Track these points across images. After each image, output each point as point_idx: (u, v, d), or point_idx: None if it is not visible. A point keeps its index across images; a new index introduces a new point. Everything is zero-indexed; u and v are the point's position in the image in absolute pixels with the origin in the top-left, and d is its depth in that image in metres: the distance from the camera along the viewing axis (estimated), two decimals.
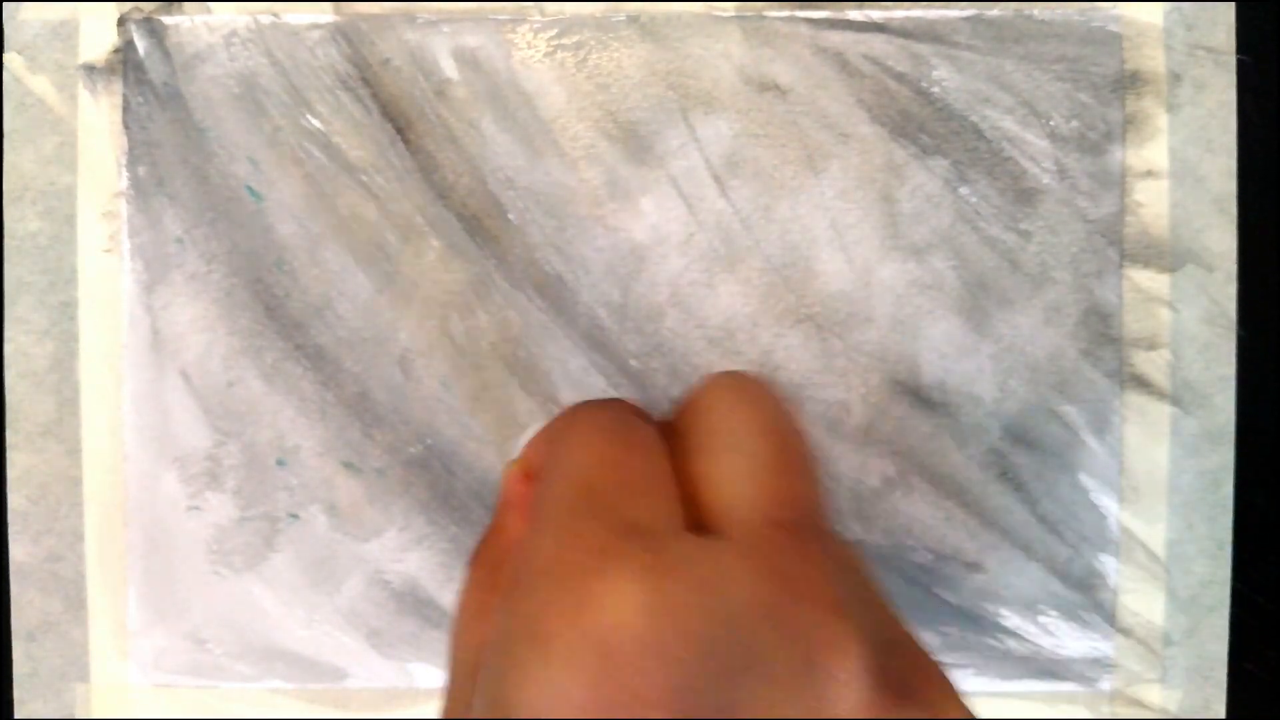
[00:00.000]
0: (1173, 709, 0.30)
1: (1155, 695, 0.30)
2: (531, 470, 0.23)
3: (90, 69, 0.29)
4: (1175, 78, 0.29)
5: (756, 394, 0.20)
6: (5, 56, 0.29)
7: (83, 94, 0.29)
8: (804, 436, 0.20)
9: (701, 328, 0.29)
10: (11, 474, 0.30)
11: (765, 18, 0.29)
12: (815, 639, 0.16)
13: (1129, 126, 0.29)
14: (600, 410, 0.20)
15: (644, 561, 0.16)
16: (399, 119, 0.29)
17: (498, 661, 0.17)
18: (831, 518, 0.19)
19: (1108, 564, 0.29)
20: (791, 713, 0.15)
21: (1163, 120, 0.29)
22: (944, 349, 0.29)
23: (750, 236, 0.29)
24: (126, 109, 0.29)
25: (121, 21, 0.29)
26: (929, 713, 0.16)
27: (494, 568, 0.21)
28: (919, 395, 0.29)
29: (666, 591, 0.16)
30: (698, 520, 0.18)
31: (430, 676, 0.30)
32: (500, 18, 0.29)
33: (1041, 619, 0.30)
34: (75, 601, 0.30)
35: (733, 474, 0.19)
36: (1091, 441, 0.29)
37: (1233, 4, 0.29)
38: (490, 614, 0.20)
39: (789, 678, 0.15)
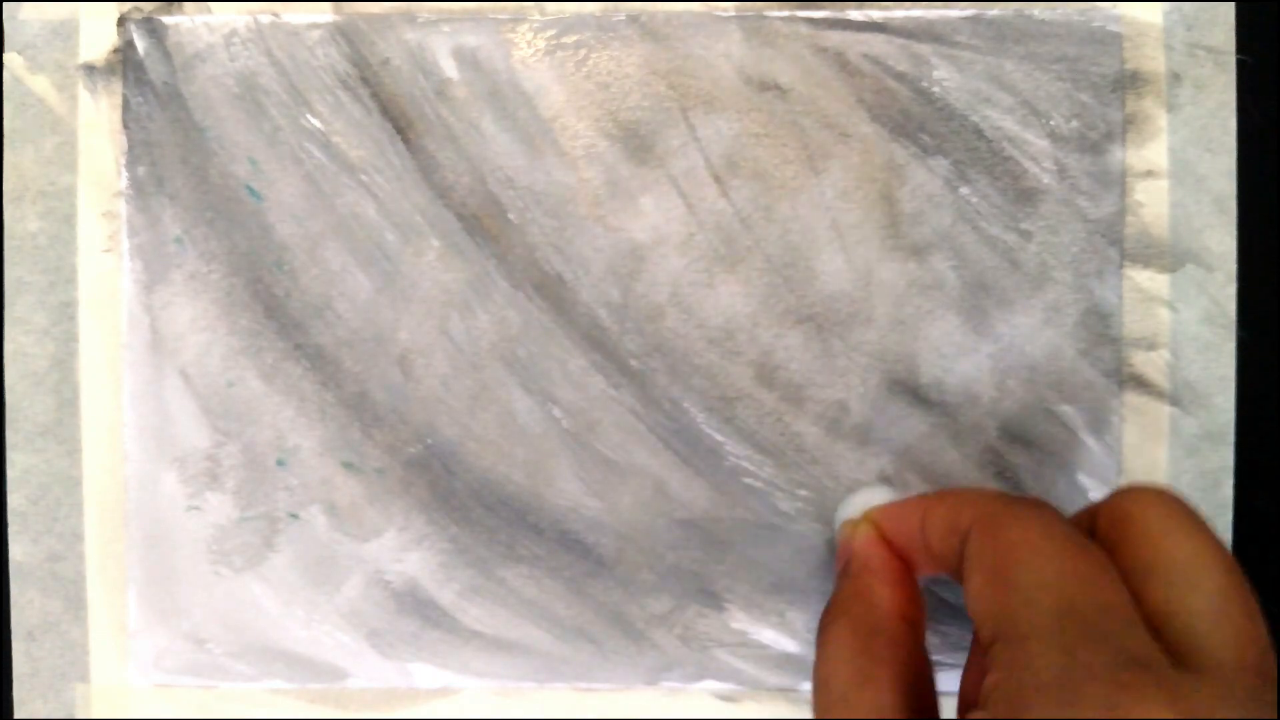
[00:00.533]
0: None
1: None
2: (896, 539, 0.24)
3: (90, 69, 0.29)
4: (1175, 78, 0.29)
5: (1198, 522, 0.21)
6: (5, 56, 0.29)
7: (83, 94, 0.29)
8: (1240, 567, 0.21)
9: (701, 328, 0.29)
10: (11, 474, 0.30)
11: (765, 18, 0.29)
12: None
13: (1129, 126, 0.29)
14: (1047, 514, 0.21)
15: (1167, 702, 0.17)
16: (399, 119, 0.29)
17: None
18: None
19: None
20: None
21: (1163, 120, 0.29)
22: (943, 349, 0.29)
23: (750, 236, 0.29)
24: (126, 109, 0.29)
25: (121, 21, 0.29)
26: None
27: (870, 634, 0.23)
28: (917, 394, 0.29)
29: None
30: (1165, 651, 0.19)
31: (430, 676, 0.30)
32: (500, 17, 0.29)
33: None
34: (75, 601, 0.30)
35: (1205, 612, 0.19)
36: (1090, 441, 0.29)
37: (1233, 4, 0.29)
38: (875, 682, 0.22)
39: None
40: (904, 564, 0.24)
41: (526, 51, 0.29)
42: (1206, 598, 0.19)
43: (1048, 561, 0.20)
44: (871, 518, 0.25)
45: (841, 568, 0.25)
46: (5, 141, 0.29)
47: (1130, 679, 0.18)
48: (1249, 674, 0.19)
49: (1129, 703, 0.17)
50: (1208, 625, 0.19)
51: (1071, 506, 0.29)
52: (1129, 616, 0.19)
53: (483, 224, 0.29)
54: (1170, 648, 0.19)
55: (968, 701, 0.24)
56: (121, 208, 0.30)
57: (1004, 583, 0.20)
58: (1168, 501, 0.21)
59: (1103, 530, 0.21)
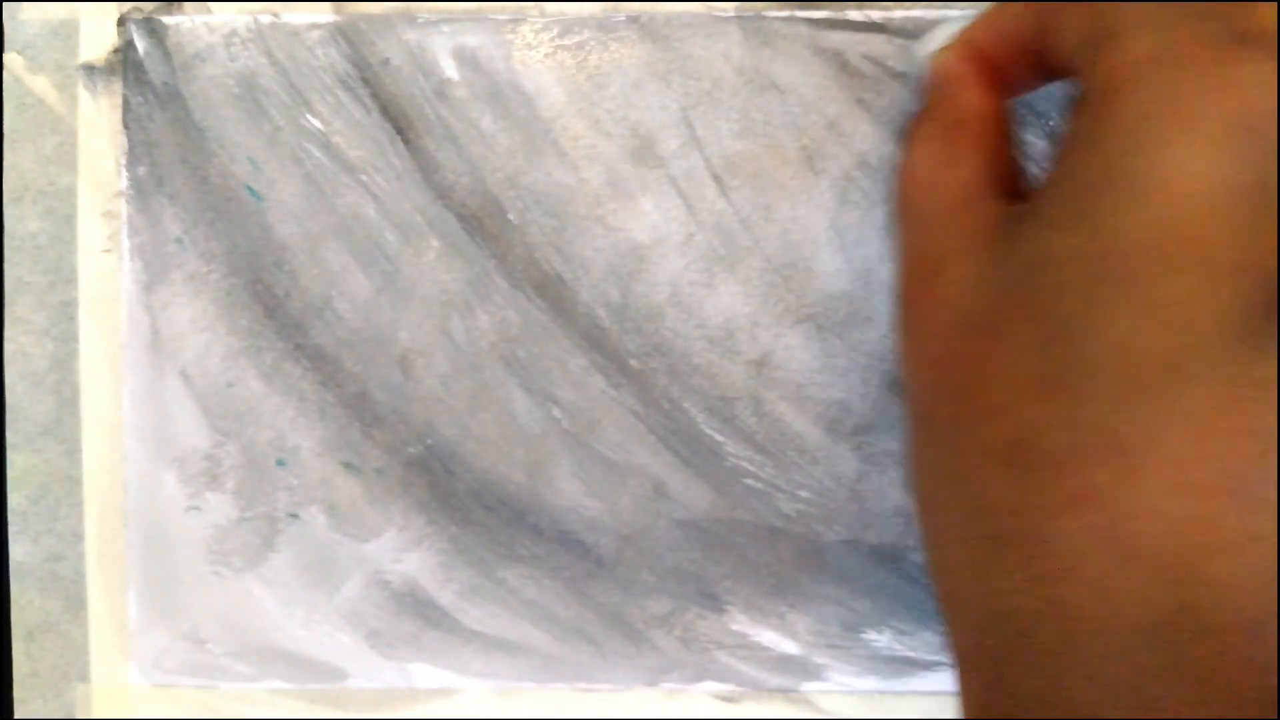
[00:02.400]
0: None
1: None
2: (997, 49, 0.22)
3: (90, 69, 0.29)
4: None
5: None
6: (5, 56, 0.29)
7: (83, 94, 0.29)
8: None
9: (701, 328, 0.29)
10: (11, 474, 0.30)
11: (765, 18, 0.29)
12: None
13: None
14: None
15: (1275, 72, 0.15)
16: (399, 119, 0.29)
17: (1116, 147, 0.16)
18: None
19: None
20: None
21: None
22: None
23: (750, 236, 0.29)
24: (126, 109, 0.29)
25: (121, 21, 0.29)
26: None
27: (954, 126, 0.21)
28: None
29: None
30: None
31: (430, 676, 0.30)
32: (500, 18, 0.29)
33: None
34: (75, 601, 0.30)
35: None
36: None
37: None
38: (961, 162, 0.20)
39: None
40: (997, 74, 0.23)
41: (527, 52, 0.29)
42: None
43: None
44: (965, 37, 0.24)
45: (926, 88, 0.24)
46: (5, 141, 0.29)
47: (1235, 50, 0.16)
48: None
49: (1241, 56, 0.15)
50: None
51: None
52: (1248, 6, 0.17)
53: (483, 224, 0.29)
54: None
55: None
56: (121, 208, 0.30)
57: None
58: None
59: None
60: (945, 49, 0.24)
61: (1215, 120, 0.15)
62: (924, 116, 0.23)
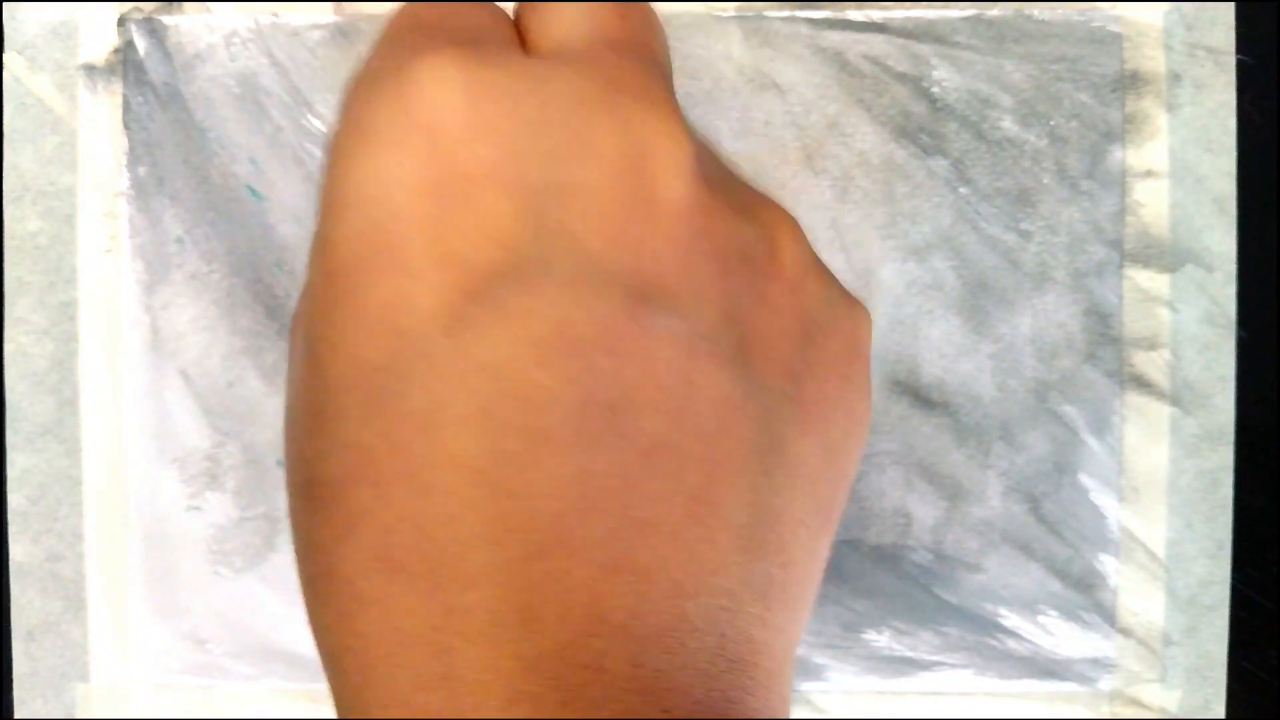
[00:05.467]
0: (1172, 709, 0.30)
1: (1155, 695, 0.30)
2: None
3: (90, 69, 0.29)
4: (1175, 78, 0.29)
5: None
6: (5, 56, 0.29)
7: (83, 94, 0.29)
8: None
9: None
10: (11, 474, 0.30)
11: (765, 18, 0.29)
12: (646, 129, 0.16)
13: (1129, 126, 0.29)
14: None
15: (466, 53, 0.16)
16: None
17: (326, 166, 0.16)
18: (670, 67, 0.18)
19: (1108, 564, 0.29)
20: (620, 193, 0.15)
21: (1163, 120, 0.29)
22: (944, 349, 0.29)
23: None
24: (126, 109, 0.29)
25: (121, 21, 0.29)
26: (765, 231, 0.17)
27: None
28: (919, 395, 0.29)
29: (490, 76, 0.15)
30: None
31: None
32: None
33: (1041, 619, 0.30)
34: (75, 601, 0.30)
35: (568, 14, 0.17)
36: (1091, 441, 0.29)
37: (1233, 4, 0.29)
38: None
39: (619, 160, 0.15)
40: None
41: None
42: (580, 4, 0.17)
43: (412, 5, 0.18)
44: None
45: None
46: (5, 141, 0.29)
47: (433, 45, 0.16)
48: (606, 50, 0.16)
49: (426, 58, 0.15)
50: (572, 23, 0.17)
51: (1074, 507, 0.29)
52: (474, 17, 0.17)
53: None
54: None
55: None
56: (122, 208, 0.30)
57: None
58: None
59: None
60: None
61: (393, 125, 0.15)
62: None
